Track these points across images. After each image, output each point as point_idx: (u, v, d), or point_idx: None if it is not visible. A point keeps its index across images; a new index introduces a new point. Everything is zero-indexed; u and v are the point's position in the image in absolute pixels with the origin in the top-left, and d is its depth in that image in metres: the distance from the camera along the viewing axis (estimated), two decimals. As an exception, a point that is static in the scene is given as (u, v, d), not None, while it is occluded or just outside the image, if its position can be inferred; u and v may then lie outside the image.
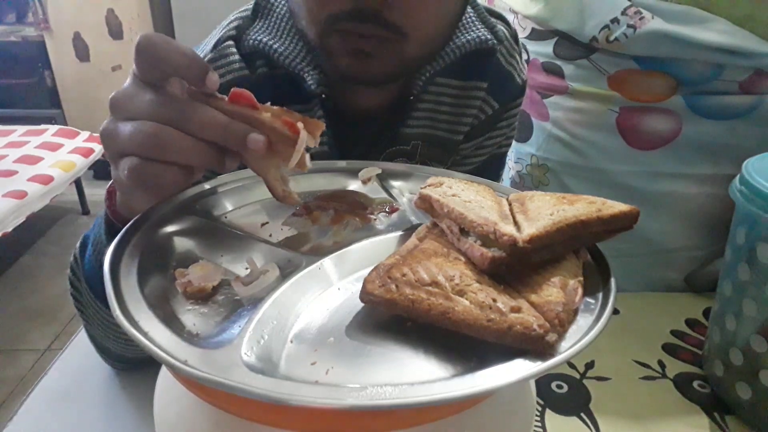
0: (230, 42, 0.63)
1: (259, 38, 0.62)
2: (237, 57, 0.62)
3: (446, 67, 0.66)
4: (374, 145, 0.69)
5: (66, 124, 3.15)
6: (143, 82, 0.39)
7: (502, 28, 0.70)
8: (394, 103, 0.67)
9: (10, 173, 2.41)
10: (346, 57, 0.55)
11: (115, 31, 3.16)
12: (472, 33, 0.66)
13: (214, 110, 0.39)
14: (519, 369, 0.28)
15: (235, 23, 0.64)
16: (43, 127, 2.96)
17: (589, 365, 0.68)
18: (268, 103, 0.40)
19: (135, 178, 0.38)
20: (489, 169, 0.80)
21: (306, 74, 0.62)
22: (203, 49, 0.64)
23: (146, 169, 0.38)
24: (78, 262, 0.55)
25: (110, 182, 0.47)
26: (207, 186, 0.48)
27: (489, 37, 0.67)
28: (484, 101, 0.72)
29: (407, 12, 0.52)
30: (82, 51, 3.20)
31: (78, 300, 0.57)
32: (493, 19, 0.70)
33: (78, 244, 0.55)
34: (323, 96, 0.63)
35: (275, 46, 0.62)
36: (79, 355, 0.69)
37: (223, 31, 0.64)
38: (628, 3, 0.76)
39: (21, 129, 2.94)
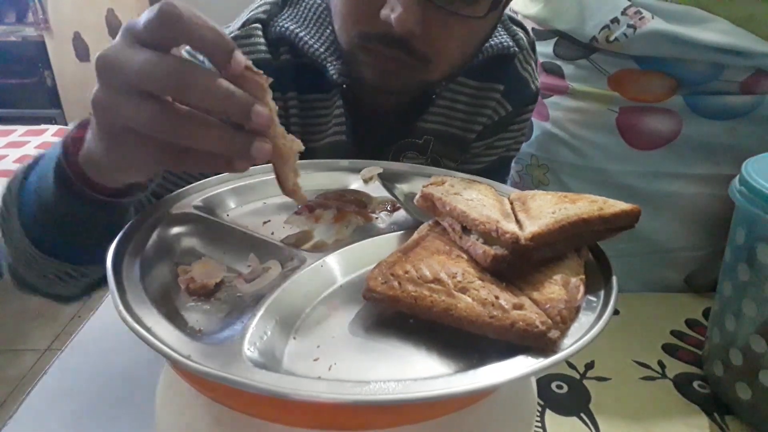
0: (258, 24, 0.64)
1: (286, 26, 0.64)
2: (262, 40, 0.64)
3: (467, 69, 0.68)
4: (389, 136, 0.70)
5: (66, 124, 3.15)
6: (143, 43, 0.33)
7: (522, 36, 0.73)
8: (414, 99, 0.68)
9: (10, 173, 2.40)
10: (370, 71, 0.58)
11: (115, 31, 3.14)
12: (495, 39, 0.69)
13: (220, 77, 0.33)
14: (521, 365, 0.28)
15: (263, 7, 0.65)
16: (43, 127, 2.95)
17: (589, 365, 0.68)
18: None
19: (159, 123, 0.32)
20: (497, 172, 0.82)
21: (329, 64, 0.63)
22: (229, 29, 0.65)
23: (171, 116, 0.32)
24: (20, 182, 0.50)
25: (78, 126, 0.43)
26: (209, 184, 0.48)
27: (511, 44, 0.70)
28: (499, 103, 0.74)
29: (432, 42, 0.55)
30: (82, 51, 3.20)
31: (4, 218, 0.51)
32: (514, 27, 0.72)
33: (26, 165, 0.50)
34: (344, 86, 0.64)
35: (301, 34, 0.64)
36: (79, 355, 0.69)
37: (252, 12, 0.65)
38: (628, 3, 0.76)
39: (21, 129, 2.93)
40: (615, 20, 0.76)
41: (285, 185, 0.39)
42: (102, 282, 0.56)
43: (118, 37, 0.34)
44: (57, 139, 0.46)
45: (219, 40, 0.33)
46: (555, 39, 0.86)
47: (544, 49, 0.87)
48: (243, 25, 0.64)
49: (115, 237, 0.49)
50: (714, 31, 0.72)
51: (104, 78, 0.33)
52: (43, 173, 0.45)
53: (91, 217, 0.45)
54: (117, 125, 0.34)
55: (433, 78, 0.60)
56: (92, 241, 0.47)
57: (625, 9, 0.76)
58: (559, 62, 0.86)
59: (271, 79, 0.35)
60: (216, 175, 0.48)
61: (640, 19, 0.75)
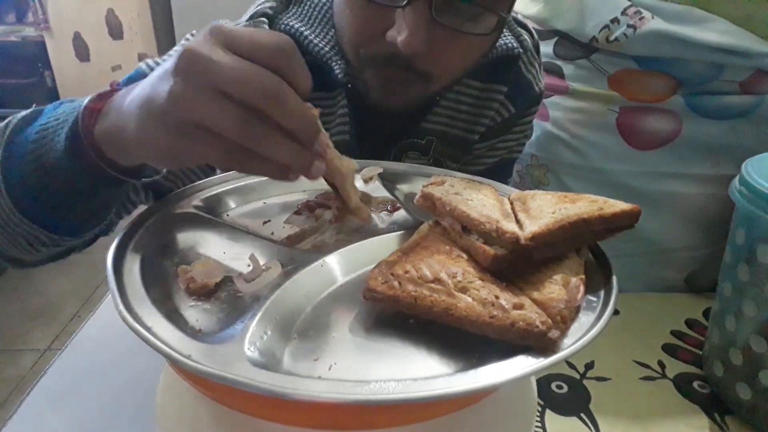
0: (265, 19, 0.64)
1: (291, 23, 0.64)
2: None
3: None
4: (392, 137, 0.71)
5: (66, 124, 3.14)
6: (236, 52, 0.33)
7: (527, 37, 0.73)
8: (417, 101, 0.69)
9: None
10: (374, 87, 0.60)
11: (115, 31, 3.16)
12: (499, 40, 0.69)
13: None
14: (521, 365, 0.28)
15: (268, 4, 0.66)
16: (42, 127, 2.95)
17: (589, 365, 0.68)
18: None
19: (239, 130, 0.32)
20: (498, 173, 0.81)
21: (334, 64, 0.63)
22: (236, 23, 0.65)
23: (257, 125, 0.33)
24: (11, 133, 0.46)
25: (96, 98, 0.42)
26: (209, 183, 0.48)
27: (515, 45, 0.70)
28: (502, 104, 0.74)
29: (437, 60, 0.56)
30: (82, 51, 3.20)
31: None
32: (518, 29, 0.72)
33: (21, 117, 0.47)
34: (349, 86, 0.65)
35: (306, 33, 0.64)
36: (79, 355, 0.68)
37: (258, 7, 0.65)
38: (628, 3, 0.76)
39: (21, 129, 2.93)
40: (615, 20, 0.76)
41: (349, 202, 0.43)
42: (66, 253, 0.53)
43: (204, 37, 0.33)
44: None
45: (308, 116, 0.35)
46: (555, 39, 0.86)
47: (544, 49, 0.87)
48: (251, 18, 0.64)
49: (106, 213, 0.49)
50: (714, 31, 0.72)
51: (190, 74, 0.32)
52: (49, 136, 0.43)
53: (94, 191, 0.44)
54: (191, 120, 0.33)
55: (434, 90, 0.62)
56: (84, 213, 0.47)
57: (625, 9, 0.76)
58: (559, 62, 0.86)
59: (320, 109, 0.38)
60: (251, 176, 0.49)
61: (640, 19, 0.75)
